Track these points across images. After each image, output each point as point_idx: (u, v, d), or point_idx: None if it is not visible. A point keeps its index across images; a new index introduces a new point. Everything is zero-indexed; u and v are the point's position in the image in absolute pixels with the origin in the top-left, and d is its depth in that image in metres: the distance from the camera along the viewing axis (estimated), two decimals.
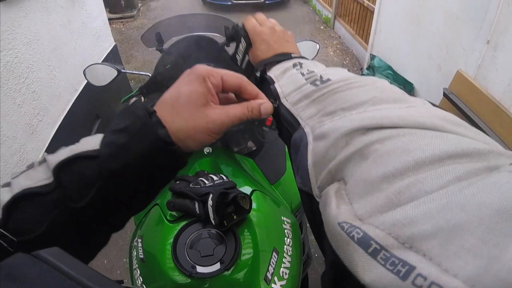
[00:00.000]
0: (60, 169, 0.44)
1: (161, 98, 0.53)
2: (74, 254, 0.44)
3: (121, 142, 0.45)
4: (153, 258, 1.04)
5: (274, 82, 0.62)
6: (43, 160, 0.48)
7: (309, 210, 0.43)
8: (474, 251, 0.20)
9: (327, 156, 0.37)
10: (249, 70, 0.83)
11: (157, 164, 0.48)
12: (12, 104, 2.35)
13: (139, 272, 1.09)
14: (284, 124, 0.55)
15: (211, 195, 0.97)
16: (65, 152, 0.46)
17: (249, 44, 0.78)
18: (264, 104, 0.58)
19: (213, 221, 0.97)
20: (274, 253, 1.04)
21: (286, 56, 0.70)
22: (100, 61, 3.54)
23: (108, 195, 0.46)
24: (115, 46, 4.08)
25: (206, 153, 1.40)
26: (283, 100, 0.56)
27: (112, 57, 3.96)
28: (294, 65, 0.63)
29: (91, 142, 0.47)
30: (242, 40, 0.79)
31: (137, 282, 1.09)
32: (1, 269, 0.30)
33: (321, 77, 0.53)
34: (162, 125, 0.48)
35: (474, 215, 0.22)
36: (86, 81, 1.68)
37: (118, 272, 2.77)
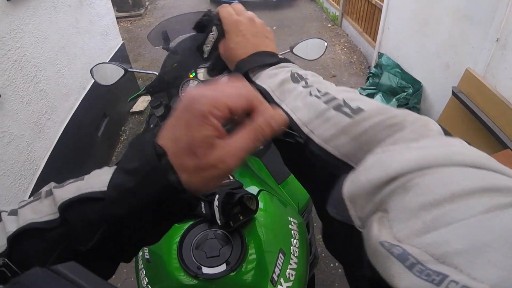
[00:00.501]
0: (66, 208, 0.44)
1: (165, 135, 0.45)
2: None
3: (128, 186, 0.43)
4: (158, 259, 1.04)
5: (277, 102, 0.56)
6: (50, 193, 0.47)
7: (344, 236, 0.43)
8: (499, 265, 0.24)
9: (371, 189, 0.36)
10: (217, 66, 0.76)
11: (165, 210, 0.45)
12: (20, 103, 2.35)
13: (144, 273, 1.09)
14: (309, 157, 0.48)
15: (217, 196, 0.97)
16: (72, 189, 0.45)
17: (221, 34, 0.70)
18: (275, 117, 0.47)
19: (219, 222, 0.96)
20: (280, 254, 1.04)
21: (271, 57, 0.66)
22: (108, 60, 3.55)
23: (114, 237, 0.45)
24: (122, 45, 4.09)
25: None
26: (305, 130, 0.49)
27: (120, 56, 3.96)
28: (294, 77, 0.58)
29: (99, 180, 0.45)
30: (214, 28, 0.70)
31: (142, 282, 1.08)
32: (19, 283, 0.30)
33: (345, 102, 0.47)
34: (173, 170, 0.43)
35: (500, 236, 0.26)
36: (93, 80, 1.67)
37: (125, 270, 2.79)
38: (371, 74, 4.14)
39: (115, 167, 0.46)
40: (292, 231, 1.13)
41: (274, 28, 6.59)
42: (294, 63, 0.68)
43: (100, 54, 3.53)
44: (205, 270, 0.95)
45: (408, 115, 0.44)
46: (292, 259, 1.06)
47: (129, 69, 1.58)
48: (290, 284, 1.01)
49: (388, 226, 0.32)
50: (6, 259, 0.41)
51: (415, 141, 0.39)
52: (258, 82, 0.62)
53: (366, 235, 0.34)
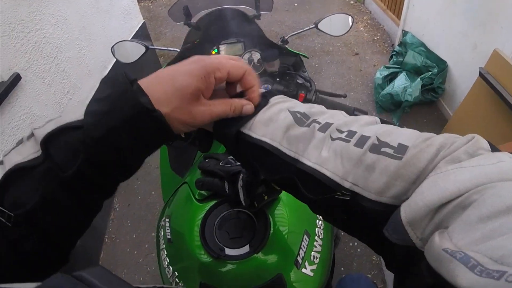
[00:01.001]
0: (47, 142, 0.45)
1: (156, 73, 0.51)
2: (69, 223, 0.50)
3: (103, 110, 0.45)
4: (180, 239, 1.02)
5: (294, 157, 0.49)
6: (31, 135, 0.48)
7: (402, 255, 0.42)
8: None
9: (429, 212, 0.36)
10: (203, 141, 0.67)
11: (141, 130, 0.48)
12: (41, 84, 2.36)
13: (166, 253, 1.07)
14: (358, 212, 0.44)
15: (241, 175, 0.93)
16: (51, 125, 0.46)
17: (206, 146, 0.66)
18: (246, 106, 0.55)
19: (243, 202, 0.93)
20: (305, 236, 1.00)
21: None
22: (130, 39, 3.54)
23: (95, 162, 0.46)
24: (143, 24, 4.07)
25: None
26: (346, 185, 0.43)
27: (141, 35, 3.96)
28: (297, 118, 0.52)
29: (76, 112, 0.47)
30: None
31: (163, 263, 1.07)
32: None
33: (381, 141, 0.44)
34: (144, 93, 0.47)
35: None
36: (115, 58, 1.66)
37: (146, 246, 2.83)
38: (394, 53, 4.04)
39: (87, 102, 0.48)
40: (317, 219, 1.10)
41: (296, 4, 6.46)
42: (276, 94, 0.60)
43: (121, 33, 3.52)
44: (228, 251, 0.93)
45: (455, 137, 0.42)
46: (316, 241, 1.03)
47: (150, 47, 1.56)
48: (314, 267, 0.99)
49: (448, 238, 0.33)
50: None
51: (467, 161, 0.38)
52: (255, 135, 0.53)
53: (428, 247, 0.35)
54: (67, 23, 2.66)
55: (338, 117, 0.51)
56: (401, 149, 0.42)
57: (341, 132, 0.47)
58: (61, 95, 2.56)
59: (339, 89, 4.05)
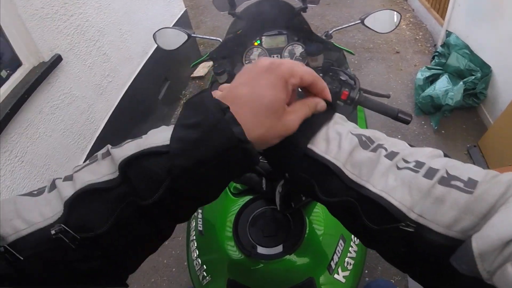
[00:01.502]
0: (128, 165, 0.43)
1: (234, 92, 0.48)
2: (138, 248, 0.49)
3: (193, 138, 0.43)
4: (212, 232, 1.00)
5: (358, 182, 0.45)
6: (107, 154, 0.47)
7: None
8: None
9: (501, 245, 0.35)
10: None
11: (230, 162, 0.45)
12: (82, 66, 2.42)
13: (195, 245, 1.06)
14: (420, 245, 0.41)
15: (282, 181, 0.90)
16: (131, 147, 0.45)
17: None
18: (320, 103, 0.53)
19: (278, 207, 0.90)
20: (341, 241, 0.97)
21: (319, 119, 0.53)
22: (172, 26, 3.57)
23: (178, 192, 0.44)
24: (185, 12, 4.09)
25: None
26: (412, 216, 0.41)
27: (182, 22, 3.98)
28: (362, 141, 0.49)
29: (160, 137, 0.45)
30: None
31: (192, 254, 1.06)
32: None
33: (449, 174, 0.42)
34: (237, 123, 0.44)
35: None
36: (156, 45, 1.66)
37: (179, 238, 2.83)
38: (437, 53, 3.93)
39: (173, 126, 0.46)
40: None
41: None
42: (335, 111, 0.56)
43: (162, 20, 3.55)
44: (260, 249, 0.91)
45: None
46: (352, 247, 1.00)
47: (192, 35, 1.55)
48: (347, 273, 0.96)
49: None
50: (63, 225, 0.40)
51: None
52: (318, 151, 0.49)
53: (499, 278, 0.34)
54: (110, 8, 2.71)
55: (401, 146, 0.49)
56: (471, 184, 0.40)
57: (407, 162, 0.45)
58: (101, 78, 2.62)
59: (378, 88, 3.96)
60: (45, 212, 0.42)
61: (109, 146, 0.48)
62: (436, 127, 3.39)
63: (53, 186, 0.46)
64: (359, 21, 1.48)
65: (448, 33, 3.98)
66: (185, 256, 1.12)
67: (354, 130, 0.51)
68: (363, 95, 1.27)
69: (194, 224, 1.10)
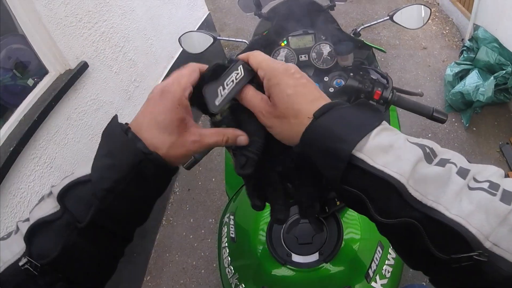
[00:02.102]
0: (62, 197, 0.49)
1: (138, 120, 0.53)
2: (94, 268, 0.53)
3: (108, 164, 0.49)
4: (245, 239, 0.98)
5: (424, 203, 0.40)
6: (50, 192, 0.52)
7: None
8: None
9: None
10: (226, 123, 0.58)
11: (145, 175, 0.50)
12: (109, 72, 2.44)
13: (228, 252, 1.03)
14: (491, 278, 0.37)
15: None
16: (65, 181, 0.50)
17: (248, 79, 0.55)
18: (241, 137, 0.55)
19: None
20: (378, 248, 0.93)
21: (369, 111, 0.49)
22: (196, 29, 3.59)
23: (109, 211, 0.49)
24: (209, 15, 4.10)
25: None
26: (487, 245, 0.37)
27: (206, 26, 3.99)
28: (426, 153, 0.43)
29: (84, 169, 0.50)
30: (240, 68, 0.55)
31: (224, 262, 1.03)
32: None
33: None
34: (139, 139, 0.50)
35: None
36: (182, 48, 1.65)
37: (203, 231, 2.88)
38: (465, 48, 3.83)
39: None
40: None
41: None
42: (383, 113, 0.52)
43: (187, 24, 3.57)
44: (295, 257, 0.88)
45: None
46: (390, 253, 0.96)
47: (217, 37, 1.53)
48: (385, 281, 0.92)
49: None
50: (28, 257, 0.47)
51: None
52: (374, 163, 0.43)
53: None
54: (134, 14, 2.73)
55: (464, 161, 0.44)
56: None
57: (478, 181, 0.40)
58: (128, 83, 2.65)
59: (406, 85, 3.90)
60: (14, 249, 0.48)
61: (51, 186, 0.52)
62: (467, 124, 3.32)
63: (17, 228, 0.51)
64: (388, 17, 1.44)
65: (476, 27, 3.89)
66: (215, 258, 1.10)
67: (410, 139, 0.46)
68: (396, 94, 1.23)
69: (226, 231, 1.07)
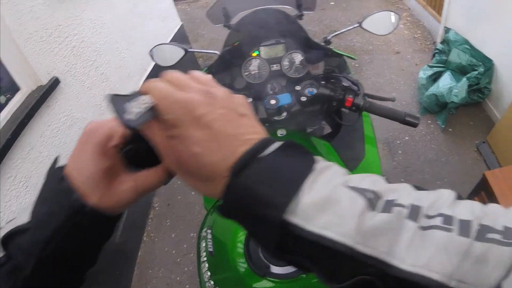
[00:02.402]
0: (5, 243, 0.47)
1: (69, 162, 0.48)
2: None
3: (46, 212, 0.46)
4: (223, 252, 0.96)
5: (382, 259, 0.35)
6: None
7: None
8: None
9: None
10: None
11: (83, 226, 0.46)
12: (81, 87, 2.40)
13: (207, 266, 1.01)
14: None
15: None
16: (10, 226, 0.47)
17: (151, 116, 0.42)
18: (160, 178, 0.51)
19: None
20: None
21: (299, 158, 0.42)
22: (168, 41, 3.56)
23: (51, 259, 0.46)
24: (181, 26, 4.10)
25: (280, 135, 1.31)
26: (453, 284, 0.33)
27: (180, 37, 3.98)
28: (370, 200, 0.37)
29: (25, 215, 0.47)
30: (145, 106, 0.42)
31: (204, 276, 1.01)
32: None
33: (484, 225, 0.35)
34: (74, 190, 0.46)
35: None
36: None
37: (185, 246, 2.85)
38: (437, 51, 3.91)
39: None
40: None
41: (332, 3, 6.36)
42: (314, 155, 0.43)
43: (159, 36, 3.55)
44: (274, 269, 0.86)
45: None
46: None
47: (189, 49, 1.52)
48: None
49: None
50: None
51: None
52: (312, 227, 0.37)
53: None
54: (105, 27, 2.70)
55: (413, 195, 0.39)
56: (510, 233, 0.34)
57: (430, 217, 0.36)
58: (101, 98, 2.60)
59: (381, 90, 3.95)
60: None
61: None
62: (443, 126, 3.37)
63: None
64: (357, 24, 1.45)
65: (447, 29, 3.96)
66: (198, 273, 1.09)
67: (349, 182, 0.40)
68: (368, 100, 1.23)
69: (204, 245, 1.05)
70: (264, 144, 0.41)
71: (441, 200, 0.38)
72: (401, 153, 3.26)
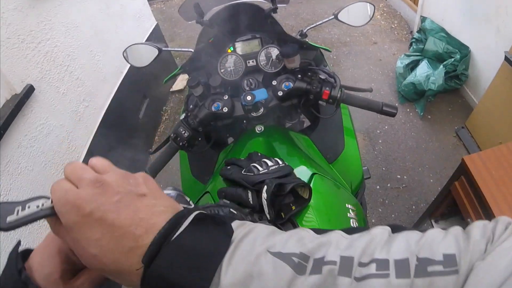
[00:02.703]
0: None
1: (33, 253, 0.49)
2: None
3: None
4: None
5: None
6: None
7: None
8: None
9: None
10: None
11: None
12: (56, 93, 2.35)
13: None
14: None
15: (265, 187, 0.86)
16: None
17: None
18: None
19: (267, 216, 0.85)
20: None
21: (208, 238, 0.39)
22: (143, 41, 3.50)
23: None
24: (157, 25, 4.05)
25: (258, 131, 1.29)
26: None
27: (155, 36, 3.94)
28: (296, 265, 0.37)
29: None
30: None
31: None
32: None
33: (422, 259, 0.35)
34: (31, 282, 0.45)
35: None
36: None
37: None
38: (414, 40, 3.93)
39: None
40: (351, 220, 1.01)
41: None
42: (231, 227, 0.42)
43: (134, 36, 3.50)
44: None
45: (491, 227, 0.37)
46: None
47: (163, 48, 1.49)
48: None
49: None
50: None
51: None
52: None
53: None
54: (78, 30, 2.65)
55: (342, 243, 0.39)
56: (450, 261, 0.34)
57: (364, 265, 0.35)
58: (77, 103, 2.55)
59: (359, 81, 3.97)
60: None
61: None
62: (422, 113, 3.40)
63: None
64: (333, 16, 1.44)
65: (423, 18, 3.99)
66: None
67: (273, 247, 0.38)
68: (345, 92, 1.22)
69: None
70: (172, 224, 0.39)
71: (374, 242, 0.38)
72: (381, 142, 3.27)
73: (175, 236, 0.38)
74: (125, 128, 3.24)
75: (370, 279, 0.34)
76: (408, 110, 3.51)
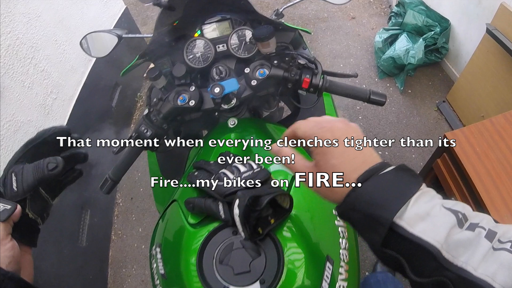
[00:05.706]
0: None
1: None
2: None
3: None
4: (175, 274, 0.82)
5: (456, 264, 0.44)
6: None
7: None
8: None
9: None
10: None
11: None
12: (21, 88, 2.24)
13: None
14: None
15: (237, 201, 0.75)
16: None
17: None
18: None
19: (242, 234, 0.75)
20: (327, 263, 0.81)
21: (408, 177, 0.52)
22: (112, 27, 3.34)
23: None
24: (126, 9, 3.84)
25: (231, 126, 1.17)
26: None
27: (125, 21, 3.74)
28: (459, 219, 0.48)
29: None
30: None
31: None
32: None
33: None
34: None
35: None
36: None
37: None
38: (393, 14, 3.84)
39: None
40: (340, 228, 0.91)
41: None
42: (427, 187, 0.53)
43: (102, 22, 3.32)
44: None
45: None
46: (342, 266, 0.84)
47: (123, 35, 1.37)
48: None
49: None
50: None
51: None
52: (412, 230, 0.47)
53: None
54: (40, 20, 2.50)
55: (492, 223, 0.48)
56: None
57: (501, 242, 0.44)
58: (44, 96, 2.44)
59: (338, 57, 3.89)
60: None
61: None
62: (402, 88, 3.38)
63: None
64: None
65: None
66: None
67: (445, 203, 0.49)
68: (328, 79, 1.13)
69: (155, 266, 0.92)
70: (381, 165, 0.53)
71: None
72: (361, 118, 3.25)
73: (384, 172, 0.52)
74: (98, 118, 3.11)
75: (503, 251, 0.43)
76: (388, 85, 3.48)
